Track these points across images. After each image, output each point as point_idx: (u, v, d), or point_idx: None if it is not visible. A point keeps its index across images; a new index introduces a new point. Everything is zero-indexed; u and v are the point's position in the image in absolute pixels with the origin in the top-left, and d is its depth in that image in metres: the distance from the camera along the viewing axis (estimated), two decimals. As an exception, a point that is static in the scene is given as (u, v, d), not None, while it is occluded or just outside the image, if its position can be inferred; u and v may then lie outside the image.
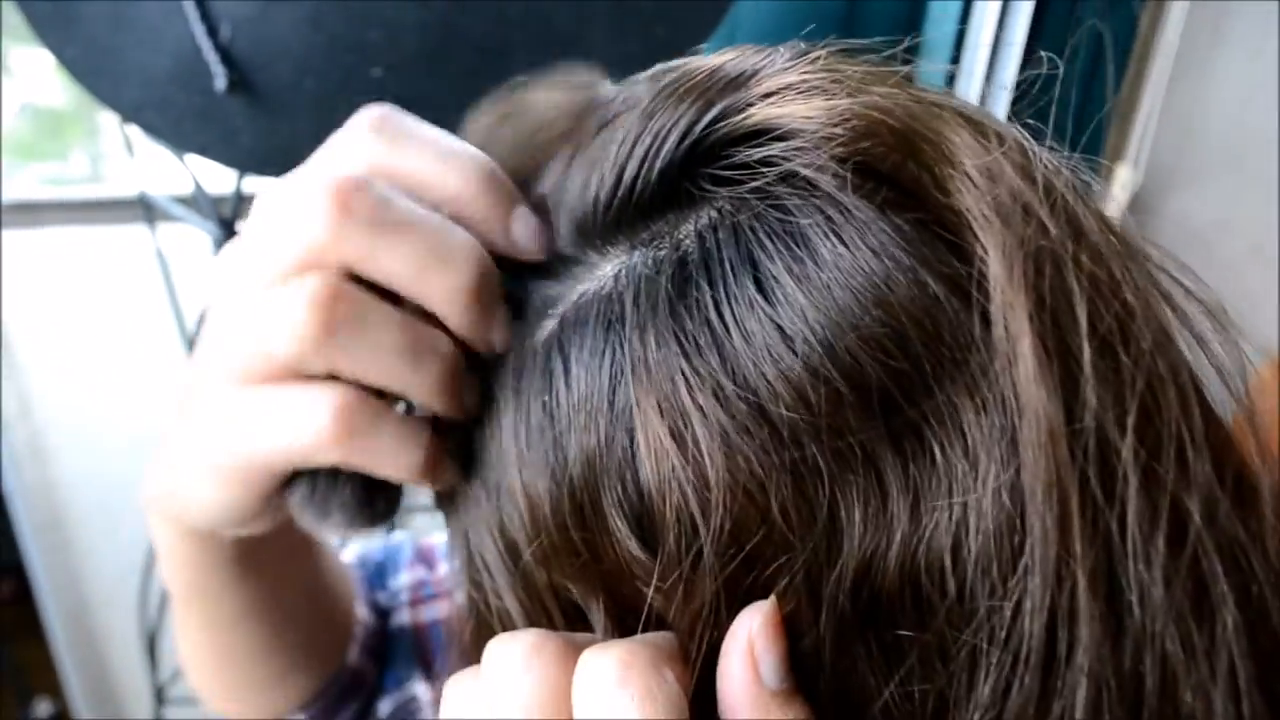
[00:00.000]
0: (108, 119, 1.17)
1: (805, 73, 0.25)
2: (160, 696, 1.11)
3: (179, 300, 0.92)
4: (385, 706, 0.48)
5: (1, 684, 1.41)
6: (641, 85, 0.27)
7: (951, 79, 0.95)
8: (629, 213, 0.25)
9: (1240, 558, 0.23)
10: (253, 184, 0.76)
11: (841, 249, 0.23)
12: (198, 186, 0.75)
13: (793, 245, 0.23)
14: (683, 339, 0.23)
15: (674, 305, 0.24)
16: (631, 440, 0.24)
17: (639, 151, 0.25)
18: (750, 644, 0.23)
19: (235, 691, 0.44)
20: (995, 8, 1.00)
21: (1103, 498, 0.22)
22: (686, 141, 0.25)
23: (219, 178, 0.77)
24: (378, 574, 0.52)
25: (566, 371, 0.25)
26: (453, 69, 0.63)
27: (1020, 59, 0.96)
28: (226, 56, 0.62)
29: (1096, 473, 0.22)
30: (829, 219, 0.23)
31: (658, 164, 0.25)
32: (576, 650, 0.23)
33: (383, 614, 0.50)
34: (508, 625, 0.28)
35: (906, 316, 0.22)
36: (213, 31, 0.62)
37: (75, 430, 1.23)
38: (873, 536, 0.23)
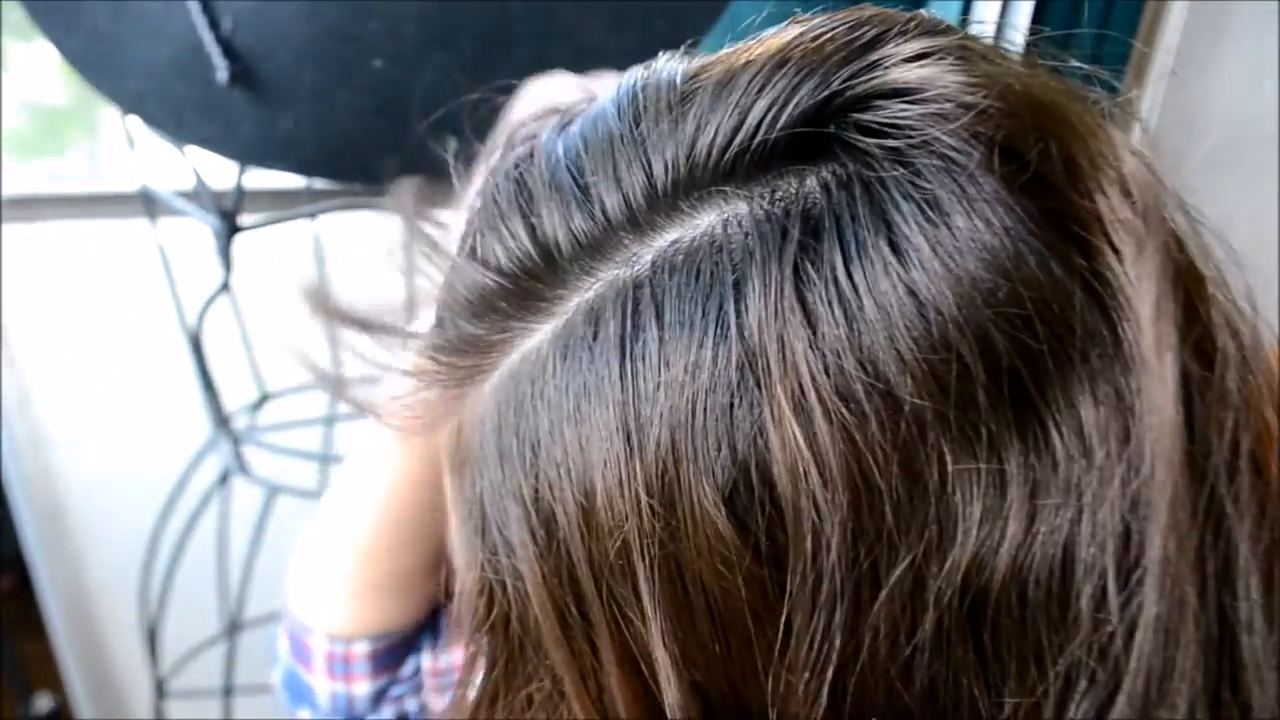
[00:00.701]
0: (108, 114, 1.17)
1: (947, 39, 0.24)
2: (161, 690, 1.11)
3: (179, 294, 0.92)
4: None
5: (1, 678, 1.41)
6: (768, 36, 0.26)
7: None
8: (744, 162, 0.24)
9: None
10: (254, 177, 0.76)
11: (976, 221, 0.22)
12: (199, 180, 0.75)
13: (927, 210, 0.22)
14: (807, 296, 0.22)
15: (799, 260, 0.22)
16: (733, 408, 0.22)
17: (769, 97, 0.23)
18: None
19: (386, 579, 0.46)
20: (995, 6, 1.00)
21: (1219, 523, 0.22)
22: (823, 92, 0.23)
23: (220, 172, 0.77)
24: (405, 684, 0.53)
25: (660, 321, 0.23)
26: (453, 60, 0.63)
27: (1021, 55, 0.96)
28: (228, 48, 0.62)
29: (1220, 497, 0.22)
30: (964, 190, 0.22)
31: (786, 112, 0.23)
32: None
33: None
34: (521, 608, 0.27)
35: (1037, 297, 0.22)
36: (214, 24, 0.62)
37: (75, 424, 1.23)
38: (988, 531, 0.22)
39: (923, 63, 0.23)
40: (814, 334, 0.22)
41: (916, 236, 0.22)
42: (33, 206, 1.13)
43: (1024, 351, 0.22)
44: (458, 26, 0.62)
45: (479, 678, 0.29)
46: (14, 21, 1.05)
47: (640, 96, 0.26)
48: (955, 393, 0.21)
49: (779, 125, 0.23)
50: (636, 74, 0.27)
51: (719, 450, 0.23)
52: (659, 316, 0.23)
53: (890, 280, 0.22)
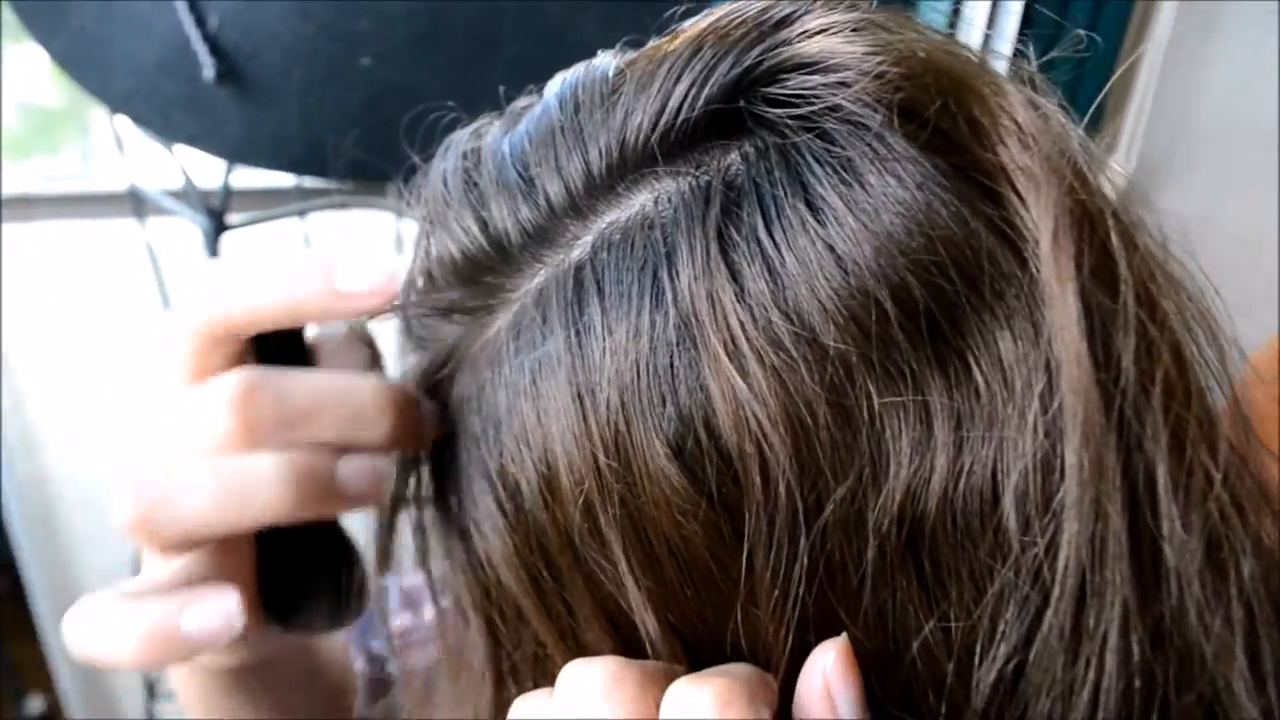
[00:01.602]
0: (99, 115, 1.17)
1: (850, 15, 0.26)
2: (152, 691, 1.10)
3: (169, 293, 0.91)
4: None
5: (-6, 681, 1.40)
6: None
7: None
8: (669, 142, 0.25)
9: (1250, 513, 0.25)
10: (242, 176, 0.76)
11: (888, 179, 0.24)
12: (187, 179, 0.74)
13: (841, 172, 0.24)
14: (732, 256, 0.24)
15: (722, 227, 0.24)
16: (673, 367, 0.24)
17: (687, 80, 0.25)
18: (826, 682, 0.23)
19: None
20: (985, 6, 1.00)
21: (1136, 443, 0.23)
22: (735, 71, 0.25)
23: (208, 171, 0.76)
24: (368, 622, 0.53)
25: (601, 295, 0.25)
26: (442, 58, 0.62)
27: (1010, 54, 0.96)
28: (215, 47, 0.62)
29: (1131, 419, 0.23)
30: (875, 151, 0.24)
31: (704, 93, 0.25)
32: (659, 682, 0.23)
33: (380, 660, 0.51)
34: (496, 581, 0.28)
35: (950, 244, 0.23)
36: (201, 22, 0.62)
37: (67, 425, 1.23)
38: (919, 463, 0.23)
39: (825, 35, 0.25)
40: (740, 290, 0.24)
41: (831, 196, 0.24)
42: (23, 206, 1.13)
43: (939, 295, 0.23)
44: (447, 25, 0.62)
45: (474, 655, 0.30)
46: (5, 23, 1.04)
47: (577, 91, 0.27)
48: (876, 336, 0.23)
49: (698, 105, 0.25)
50: (577, 71, 0.29)
51: (664, 407, 0.24)
52: (600, 291, 0.25)
53: (809, 237, 0.24)
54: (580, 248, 0.26)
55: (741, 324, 0.23)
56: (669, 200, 0.25)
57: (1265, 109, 1.11)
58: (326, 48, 0.62)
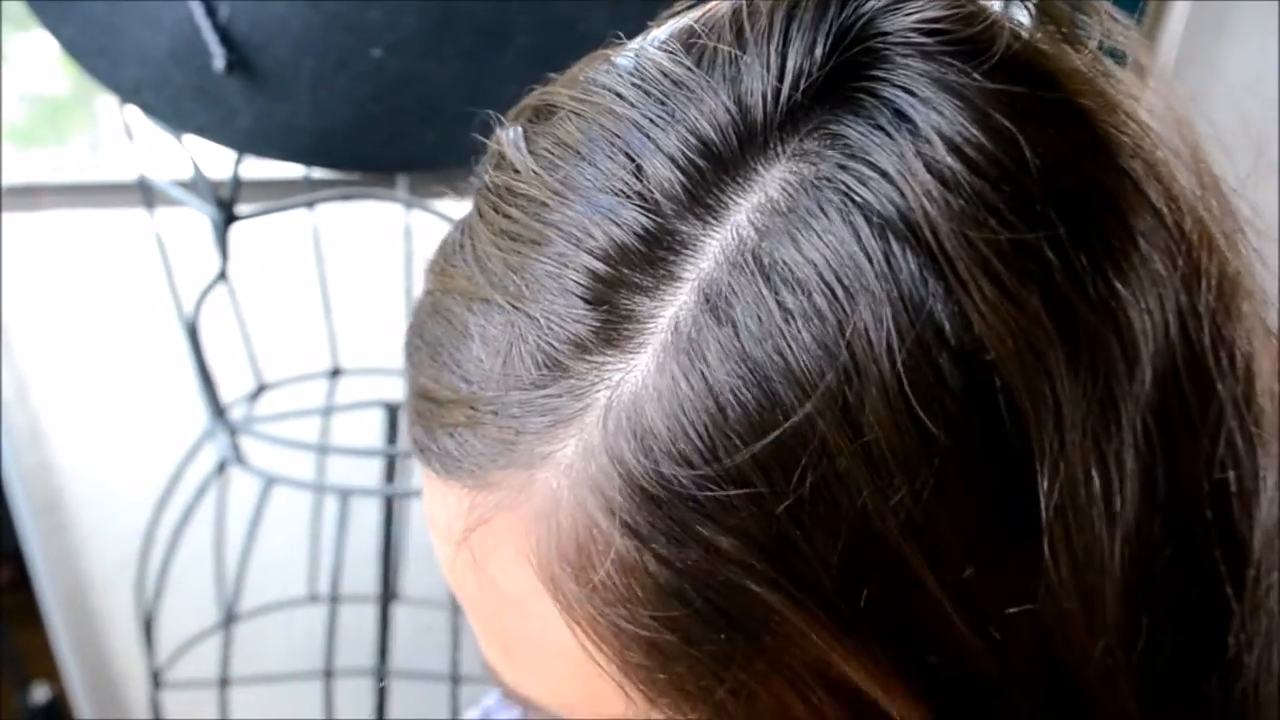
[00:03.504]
0: (107, 104, 1.17)
1: None
2: (157, 680, 1.11)
3: (177, 283, 0.91)
4: None
5: (-1, 669, 1.41)
6: None
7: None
8: (798, 103, 0.24)
9: None
10: (252, 166, 0.76)
11: (1022, 96, 0.24)
12: (196, 170, 0.74)
13: (982, 84, 0.24)
14: (945, 173, 0.23)
15: (913, 140, 0.23)
16: (932, 313, 0.22)
17: (801, 37, 0.24)
18: None
19: None
20: (995, 7, 1.00)
21: None
22: (843, 16, 0.25)
23: (218, 161, 0.76)
24: None
25: (815, 265, 0.23)
26: (452, 49, 0.62)
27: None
28: (225, 37, 0.62)
29: None
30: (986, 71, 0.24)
31: (819, 46, 0.24)
32: None
33: None
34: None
35: (1081, 133, 0.25)
36: (211, 12, 0.62)
37: (73, 414, 1.23)
38: (1153, 321, 0.24)
39: None
40: (967, 203, 0.23)
41: (992, 107, 0.23)
42: (30, 196, 1.13)
43: (1099, 178, 0.24)
44: (457, 16, 0.62)
45: None
46: (12, 11, 1.04)
47: (641, 82, 0.26)
48: (1082, 212, 0.24)
49: (817, 57, 0.24)
50: (609, 72, 0.27)
51: (941, 356, 0.23)
52: (808, 262, 0.23)
53: (990, 140, 0.23)
54: (741, 237, 0.23)
55: (981, 231, 0.22)
56: (829, 148, 0.24)
57: (1275, 112, 1.11)
58: (337, 39, 0.62)
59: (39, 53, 1.15)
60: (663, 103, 0.25)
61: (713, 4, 0.27)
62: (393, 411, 1.11)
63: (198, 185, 0.75)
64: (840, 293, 0.22)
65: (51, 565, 1.30)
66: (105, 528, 1.29)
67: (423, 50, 0.62)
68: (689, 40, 0.26)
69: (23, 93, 1.18)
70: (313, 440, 1.09)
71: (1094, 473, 0.23)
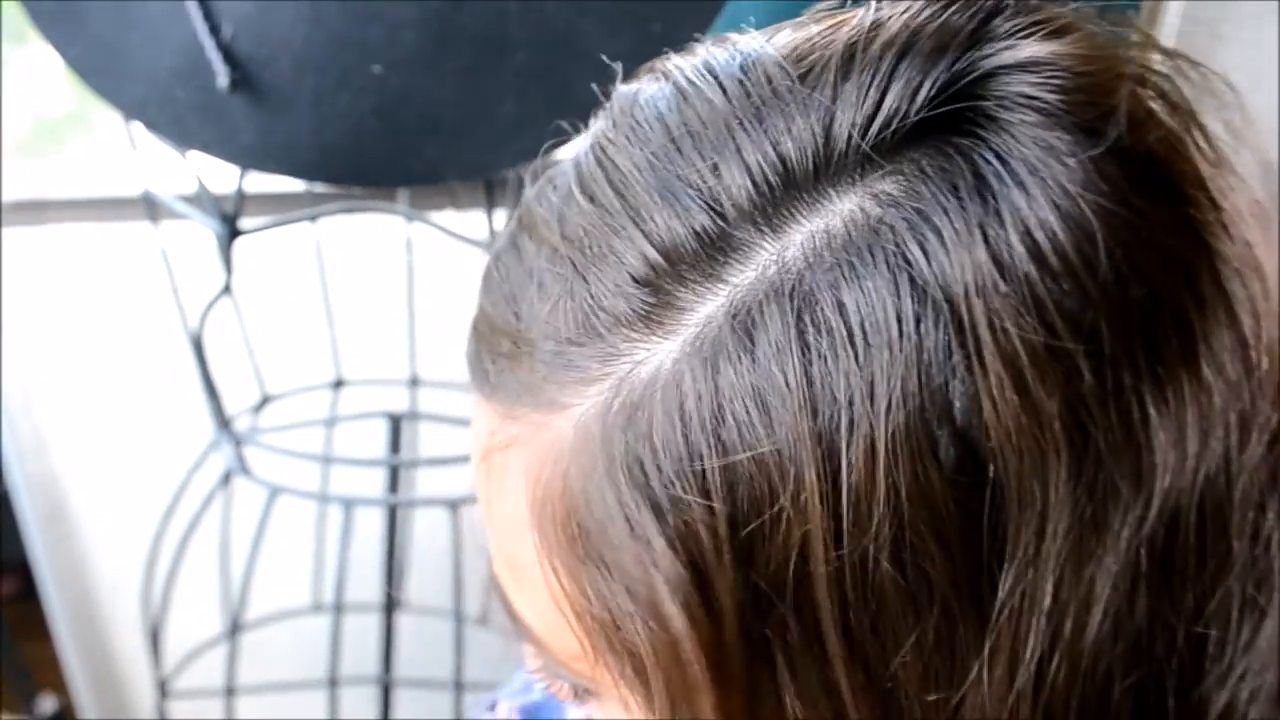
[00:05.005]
0: (110, 118, 1.18)
1: (1057, 11, 0.25)
2: (163, 689, 1.11)
3: (181, 297, 0.92)
4: None
5: (5, 680, 1.41)
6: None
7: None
8: (883, 142, 0.24)
9: None
10: (255, 181, 0.77)
11: (1097, 178, 0.23)
12: (200, 184, 0.75)
13: (1072, 169, 0.23)
14: (1000, 254, 0.22)
15: (982, 220, 0.23)
16: (946, 385, 0.22)
17: (904, 76, 0.24)
18: None
19: None
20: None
21: None
22: (956, 67, 0.24)
23: (222, 175, 0.77)
24: None
25: (842, 311, 0.23)
26: (451, 66, 0.63)
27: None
28: (228, 55, 0.63)
29: None
30: (1082, 155, 0.23)
31: (923, 90, 0.24)
32: None
33: None
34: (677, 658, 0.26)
35: (1166, 235, 0.24)
36: (215, 30, 0.63)
37: (79, 425, 1.23)
38: (1177, 463, 0.23)
39: (1044, 36, 0.24)
40: (1012, 287, 0.22)
41: (1076, 196, 0.23)
42: (35, 210, 1.14)
43: (1175, 286, 0.24)
44: (456, 33, 0.63)
45: None
46: (14, 25, 1.05)
47: (742, 82, 0.25)
48: (1139, 327, 0.23)
49: (917, 103, 0.24)
50: (715, 60, 0.26)
51: (941, 430, 0.23)
52: (840, 308, 0.23)
53: (1058, 224, 0.22)
54: (785, 262, 0.23)
55: (1019, 325, 0.22)
56: (899, 199, 0.23)
57: (1271, 113, 1.11)
58: (338, 55, 0.63)
59: (42, 67, 1.16)
60: (757, 109, 0.25)
61: (847, 15, 0.27)
62: (395, 422, 1.12)
63: (202, 200, 0.76)
64: (860, 342, 0.22)
65: (58, 576, 1.31)
66: (111, 538, 1.30)
67: (422, 67, 0.63)
68: (804, 52, 0.25)
69: (27, 107, 1.19)
70: (317, 451, 1.10)
71: (1063, 590, 0.23)
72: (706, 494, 0.24)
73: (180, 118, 0.65)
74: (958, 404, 0.22)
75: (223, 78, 0.63)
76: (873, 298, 0.23)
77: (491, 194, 0.82)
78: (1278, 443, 0.24)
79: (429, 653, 1.20)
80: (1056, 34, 0.25)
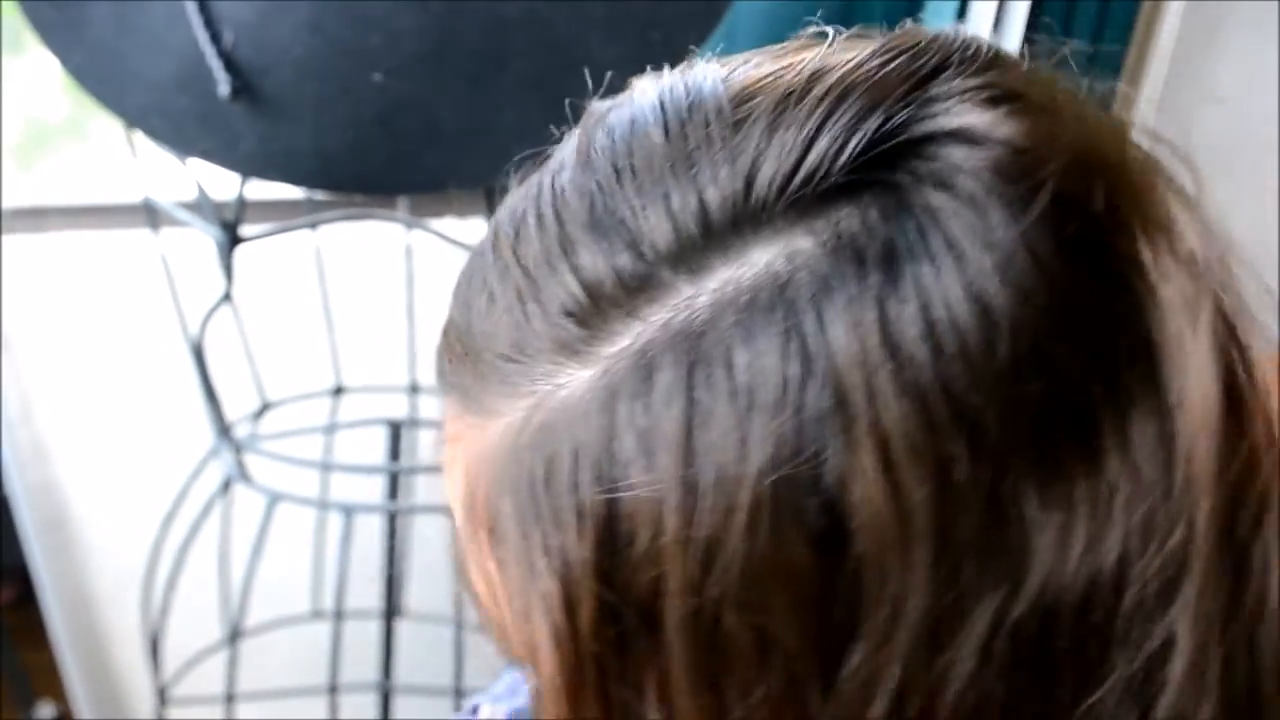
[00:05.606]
0: (112, 127, 1.18)
1: (1004, 77, 0.25)
2: (163, 697, 1.11)
3: (181, 304, 0.92)
4: None
5: (4, 687, 1.41)
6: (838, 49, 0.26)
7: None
8: (803, 197, 0.24)
9: None
10: (255, 188, 0.77)
11: (1026, 260, 0.22)
12: (201, 192, 0.75)
13: (986, 247, 0.22)
14: (892, 332, 0.22)
15: (880, 295, 0.22)
16: (818, 454, 0.22)
17: (831, 132, 0.24)
18: None
19: None
20: (990, 8, 1.01)
21: (1254, 525, 0.24)
22: (886, 128, 0.24)
23: (222, 183, 0.77)
24: None
25: (729, 369, 0.23)
26: (451, 74, 0.63)
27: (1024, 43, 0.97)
28: (229, 63, 0.63)
29: (1251, 518, 0.23)
30: (1020, 234, 0.22)
31: (849, 148, 0.23)
32: None
33: None
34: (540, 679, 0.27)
35: (1085, 332, 0.23)
36: (215, 38, 0.63)
37: (78, 432, 1.24)
38: (1058, 560, 0.23)
39: (974, 103, 0.24)
40: (899, 368, 0.22)
41: (989, 277, 0.22)
42: (35, 217, 1.14)
43: (1081, 379, 0.23)
44: (456, 42, 0.63)
45: None
46: (14, 33, 1.06)
47: (685, 121, 0.25)
48: (1029, 422, 0.22)
49: (841, 161, 0.23)
50: (675, 90, 0.26)
51: (810, 498, 0.23)
52: (728, 362, 0.23)
53: (964, 308, 0.22)
54: (694, 309, 0.24)
55: (899, 406, 0.22)
56: (807, 262, 0.23)
57: (1269, 120, 1.11)
58: (339, 64, 0.63)
59: (41, 74, 1.17)
60: (690, 154, 0.25)
61: (797, 60, 0.26)
62: (395, 428, 1.12)
63: (202, 207, 0.76)
64: (743, 401, 0.23)
65: (57, 583, 1.31)
66: (110, 545, 1.30)
67: (423, 75, 0.63)
68: (750, 94, 0.25)
69: (27, 115, 1.19)
70: (316, 457, 1.10)
71: (912, 671, 0.23)
72: (582, 519, 0.24)
73: (181, 125, 0.65)
74: (827, 477, 0.22)
75: (223, 86, 0.63)
76: (763, 359, 0.23)
77: (492, 201, 0.82)
78: (1185, 559, 0.23)
79: (429, 659, 1.20)
80: (995, 101, 0.24)
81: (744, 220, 0.24)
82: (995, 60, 0.25)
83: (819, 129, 0.24)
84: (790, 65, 0.26)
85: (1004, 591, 0.23)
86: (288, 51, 0.63)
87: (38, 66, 1.14)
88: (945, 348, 0.22)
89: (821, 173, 0.23)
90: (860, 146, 0.23)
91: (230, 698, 1.12)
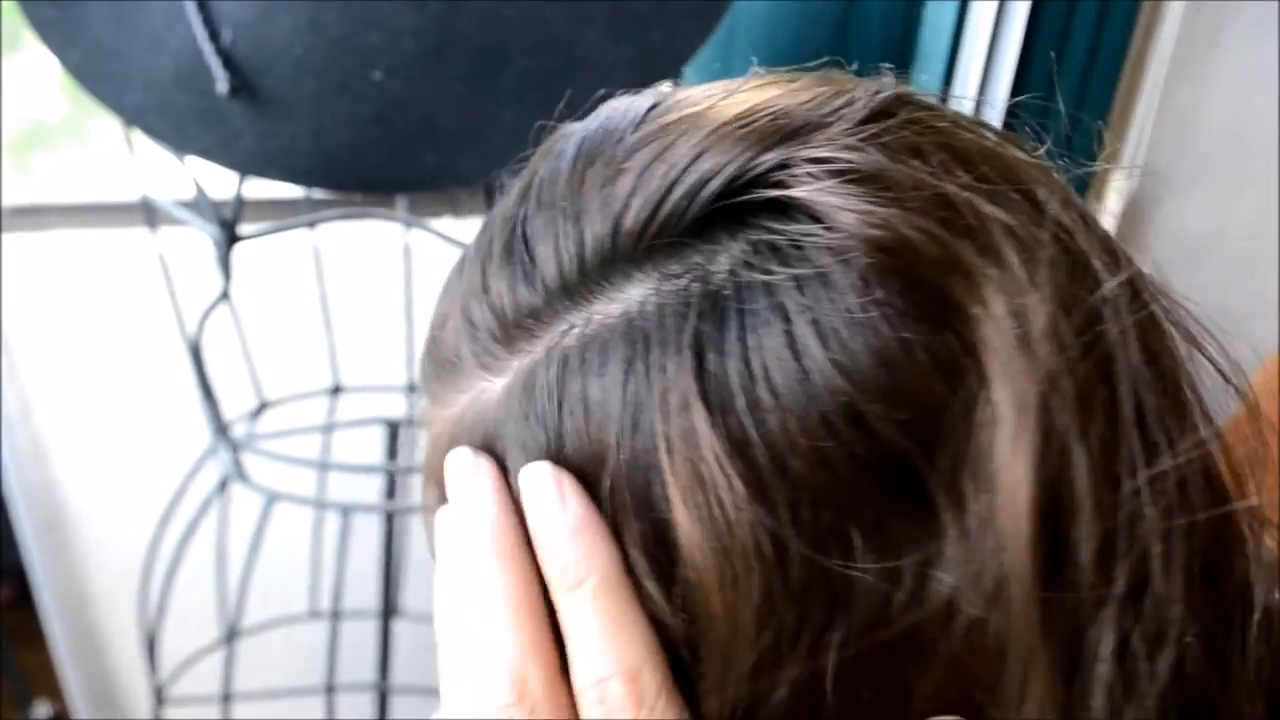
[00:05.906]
0: (110, 125, 1.18)
1: (861, 158, 0.25)
2: (160, 697, 1.11)
3: (179, 302, 0.92)
4: None
5: (1, 687, 1.41)
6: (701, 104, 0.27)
7: (947, 85, 0.96)
8: (661, 239, 0.25)
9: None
10: (253, 187, 0.77)
11: (860, 333, 0.24)
12: (199, 190, 0.75)
13: (815, 313, 0.24)
14: (711, 384, 0.24)
15: (700, 345, 0.24)
16: (647, 483, 0.25)
17: (690, 179, 0.25)
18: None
19: None
20: (990, 9, 1.01)
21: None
22: (737, 183, 0.25)
23: (220, 181, 0.77)
24: None
25: (585, 401, 0.25)
26: (451, 72, 0.63)
27: (1015, 63, 0.97)
28: (228, 60, 0.63)
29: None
30: (851, 314, 0.24)
31: (702, 195, 0.25)
32: None
33: None
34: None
35: (915, 393, 0.24)
36: (214, 35, 0.63)
37: (76, 432, 1.23)
38: (881, 599, 0.24)
39: (828, 181, 0.25)
40: (714, 417, 0.24)
41: (807, 333, 0.24)
42: (34, 215, 1.14)
43: (908, 436, 0.24)
44: (456, 40, 0.63)
45: None
46: (13, 31, 1.05)
47: (589, 158, 0.27)
48: (848, 473, 0.24)
49: (693, 208, 0.25)
50: (600, 123, 0.28)
51: (638, 524, 0.25)
52: (583, 395, 0.25)
53: (785, 368, 0.24)
54: (569, 337, 0.26)
55: (716, 454, 0.23)
56: (652, 305, 0.25)
57: (1268, 121, 1.11)
58: (338, 62, 0.63)
59: (38, 72, 1.16)
60: (575, 197, 0.27)
61: (682, 102, 0.28)
62: (393, 428, 1.12)
63: (200, 205, 0.76)
64: (594, 429, 0.25)
65: (54, 582, 1.31)
66: (108, 545, 1.30)
67: (422, 73, 0.63)
68: (650, 137, 0.27)
69: (24, 113, 1.19)
70: (314, 457, 1.10)
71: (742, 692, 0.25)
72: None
73: (179, 123, 0.65)
74: (659, 504, 0.24)
75: (222, 83, 0.63)
76: (607, 393, 0.25)
77: (491, 200, 0.82)
78: (983, 630, 0.24)
79: (426, 659, 1.19)
80: (845, 177, 0.25)
81: (612, 261, 0.26)
82: (884, 114, 0.26)
83: (679, 177, 0.25)
84: (688, 102, 0.28)
85: (822, 622, 0.24)
86: (287, 49, 0.63)
87: (36, 65, 1.14)
88: (760, 401, 0.23)
89: (675, 219, 0.25)
90: (714, 192, 0.25)
91: (227, 697, 1.12)
